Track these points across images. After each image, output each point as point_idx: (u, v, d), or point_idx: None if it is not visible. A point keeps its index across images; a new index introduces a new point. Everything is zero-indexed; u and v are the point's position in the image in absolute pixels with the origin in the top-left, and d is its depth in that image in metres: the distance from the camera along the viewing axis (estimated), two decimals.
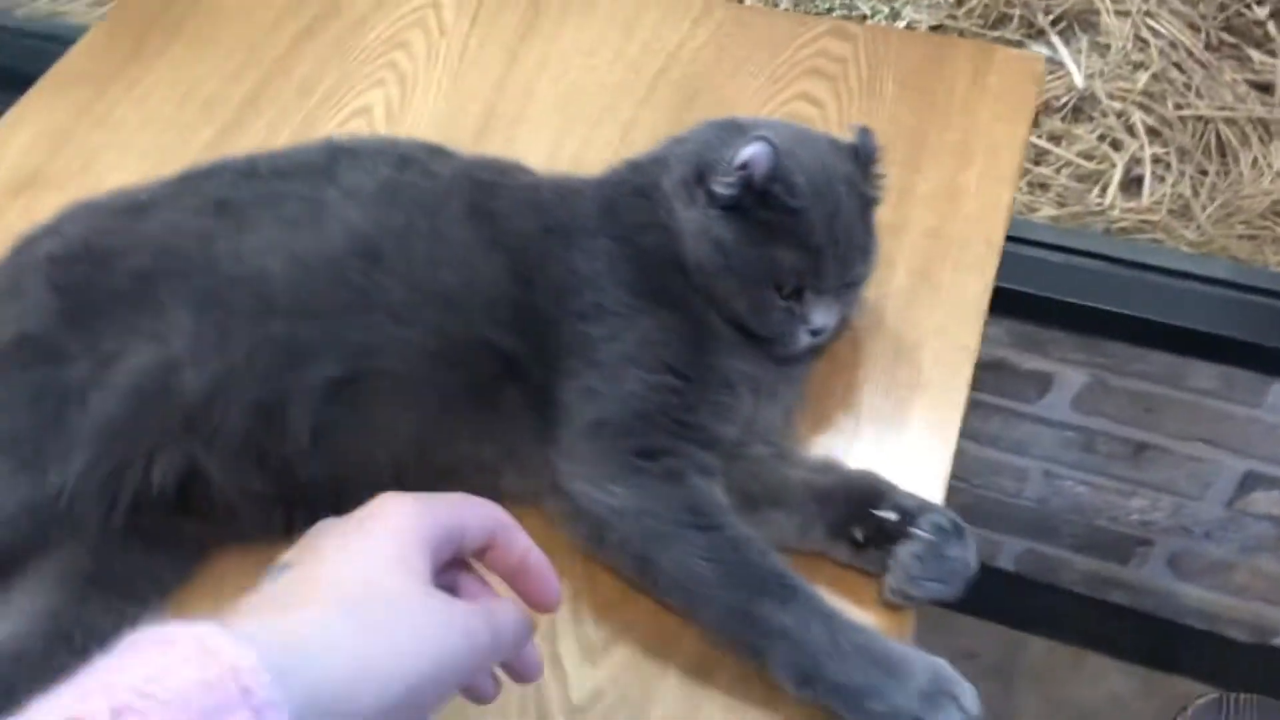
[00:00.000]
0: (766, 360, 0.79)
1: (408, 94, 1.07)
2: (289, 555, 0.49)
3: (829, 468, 0.77)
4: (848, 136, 0.82)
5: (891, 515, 0.72)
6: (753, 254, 0.76)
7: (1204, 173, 1.58)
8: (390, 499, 0.51)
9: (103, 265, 0.75)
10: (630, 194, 0.81)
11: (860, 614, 0.73)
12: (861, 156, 0.80)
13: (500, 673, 0.56)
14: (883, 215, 0.93)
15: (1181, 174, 1.56)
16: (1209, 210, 1.49)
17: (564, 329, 0.76)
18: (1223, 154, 1.59)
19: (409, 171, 0.81)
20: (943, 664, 0.66)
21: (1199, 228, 1.48)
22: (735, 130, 0.81)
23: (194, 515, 0.73)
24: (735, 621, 0.67)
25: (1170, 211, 1.50)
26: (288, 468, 0.73)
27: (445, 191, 0.80)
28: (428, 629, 0.45)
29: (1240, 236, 1.48)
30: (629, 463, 0.72)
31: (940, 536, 0.71)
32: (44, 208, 0.83)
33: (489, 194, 0.81)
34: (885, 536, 0.72)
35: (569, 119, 1.04)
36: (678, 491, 0.71)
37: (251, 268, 0.75)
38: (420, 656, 0.44)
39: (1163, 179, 1.55)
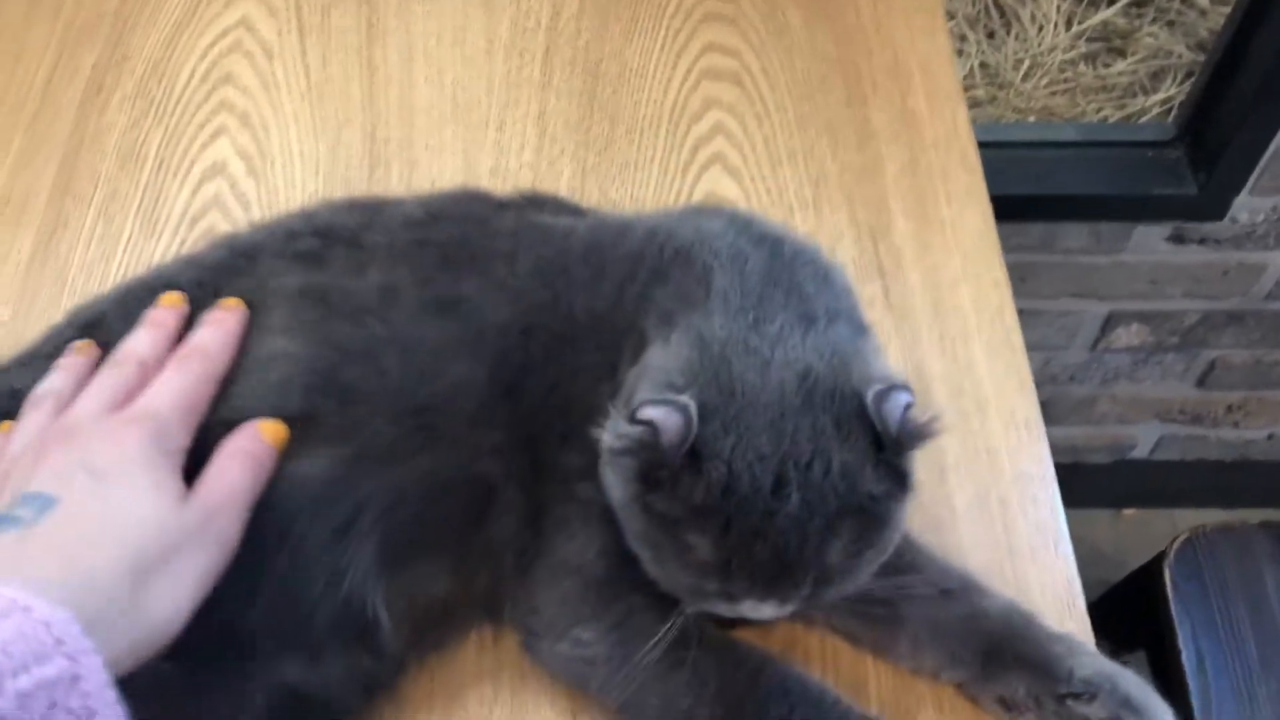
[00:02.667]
0: None
1: (261, 139, 0.88)
2: (42, 485, 0.51)
3: (953, 590, 0.64)
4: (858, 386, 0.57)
5: (1100, 714, 0.60)
6: (655, 521, 0.56)
7: (991, 35, 1.62)
8: (119, 432, 0.54)
9: None
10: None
11: None
12: (884, 431, 0.54)
13: None
14: (851, 157, 0.88)
15: (977, 44, 1.58)
16: (1022, 72, 1.52)
17: (549, 451, 0.61)
18: (1003, 15, 1.63)
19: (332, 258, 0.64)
20: None
21: (1018, 93, 1.51)
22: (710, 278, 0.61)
23: None
24: None
25: (987, 84, 1.52)
26: (379, 655, 0.60)
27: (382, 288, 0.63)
28: (193, 565, 0.52)
29: (1053, 93, 1.52)
30: (598, 600, 0.60)
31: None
32: None
33: (457, 276, 0.64)
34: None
35: (469, 126, 0.90)
36: (648, 625, 0.58)
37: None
38: (184, 587, 0.51)
39: (963, 52, 1.57)
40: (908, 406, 0.54)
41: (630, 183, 0.87)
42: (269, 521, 0.57)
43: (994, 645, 0.62)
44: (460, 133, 0.89)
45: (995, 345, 0.79)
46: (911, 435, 0.54)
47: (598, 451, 0.57)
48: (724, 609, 0.57)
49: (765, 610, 0.56)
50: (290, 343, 0.61)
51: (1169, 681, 1.12)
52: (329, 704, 0.59)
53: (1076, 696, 0.60)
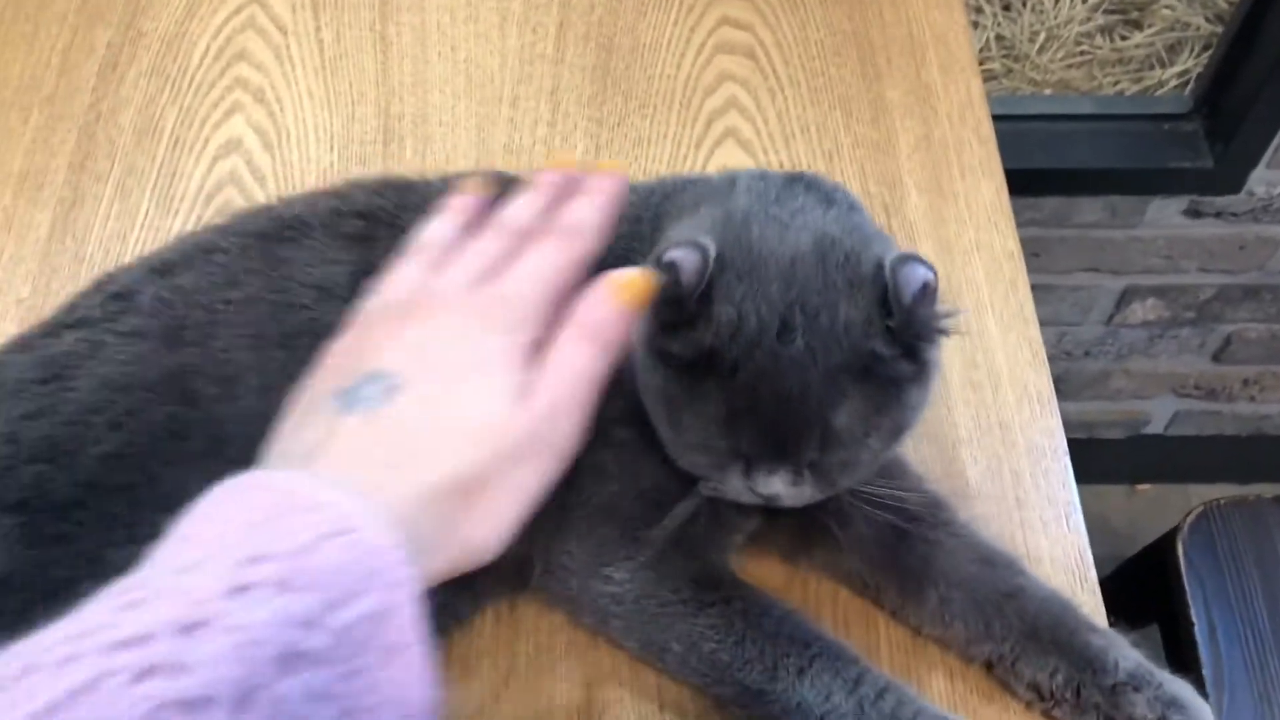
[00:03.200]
0: None
1: (276, 115, 0.89)
2: (391, 364, 0.46)
3: (1004, 564, 0.65)
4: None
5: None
6: (675, 397, 0.57)
7: (1007, 7, 1.61)
8: (481, 315, 0.49)
9: None
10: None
11: None
12: (895, 297, 0.54)
13: None
14: (865, 131, 0.88)
15: (994, 16, 1.57)
16: (1038, 45, 1.51)
17: None
18: None
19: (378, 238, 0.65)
20: None
21: (1034, 65, 1.50)
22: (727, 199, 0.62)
23: None
24: (751, 701, 0.59)
25: (1003, 56, 1.51)
26: None
27: None
28: (523, 481, 0.46)
29: (1069, 66, 1.51)
30: (633, 540, 0.61)
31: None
32: None
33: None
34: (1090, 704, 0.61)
35: (482, 102, 0.90)
36: (679, 565, 0.61)
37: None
38: (509, 507, 0.46)
39: (978, 24, 1.56)
40: (926, 284, 0.54)
41: (644, 158, 0.87)
42: None
43: (1033, 625, 0.62)
44: (474, 108, 0.89)
45: (1008, 318, 0.79)
46: (924, 310, 0.55)
47: (634, 394, 0.59)
48: (736, 484, 0.57)
49: (776, 484, 0.56)
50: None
51: (1181, 654, 1.12)
52: None
53: (1125, 687, 0.60)
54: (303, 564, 0.36)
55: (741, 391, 0.55)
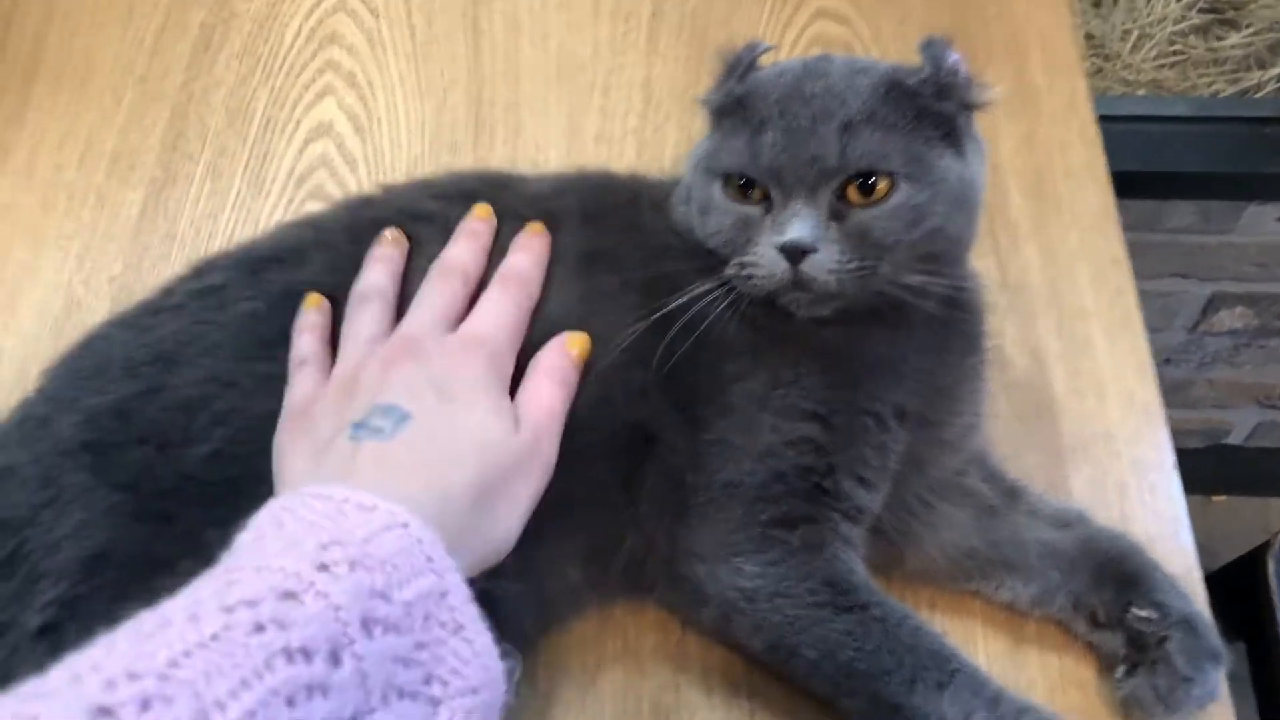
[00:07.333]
0: (912, 375, 0.63)
1: (368, 99, 0.88)
2: (396, 398, 0.54)
3: (1070, 521, 0.66)
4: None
5: (1150, 615, 0.62)
6: (709, 155, 0.63)
7: (1098, 4, 1.57)
8: (461, 354, 0.57)
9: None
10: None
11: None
12: (926, 58, 0.61)
13: None
14: None
15: (1084, 14, 1.53)
16: (1130, 44, 1.47)
17: (700, 370, 0.61)
18: None
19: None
20: None
21: (1125, 65, 1.46)
22: None
23: None
24: (884, 715, 0.56)
25: (1094, 55, 1.47)
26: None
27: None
28: (524, 489, 0.54)
29: (1162, 66, 1.47)
30: (762, 535, 0.59)
31: (1194, 670, 0.61)
32: None
33: (596, 230, 0.65)
34: (1132, 629, 0.62)
35: (574, 91, 0.88)
36: (816, 565, 0.59)
37: None
38: (516, 510, 0.54)
39: None
40: (959, 62, 0.61)
41: None
42: None
43: (1106, 576, 0.64)
44: (565, 97, 0.88)
45: (1114, 326, 0.77)
46: (960, 75, 0.61)
47: (754, 350, 0.61)
48: (763, 247, 0.59)
49: (802, 226, 0.58)
50: None
51: (1271, 674, 1.09)
52: None
53: (1144, 623, 0.62)
54: (368, 550, 0.42)
55: (772, 106, 0.60)
